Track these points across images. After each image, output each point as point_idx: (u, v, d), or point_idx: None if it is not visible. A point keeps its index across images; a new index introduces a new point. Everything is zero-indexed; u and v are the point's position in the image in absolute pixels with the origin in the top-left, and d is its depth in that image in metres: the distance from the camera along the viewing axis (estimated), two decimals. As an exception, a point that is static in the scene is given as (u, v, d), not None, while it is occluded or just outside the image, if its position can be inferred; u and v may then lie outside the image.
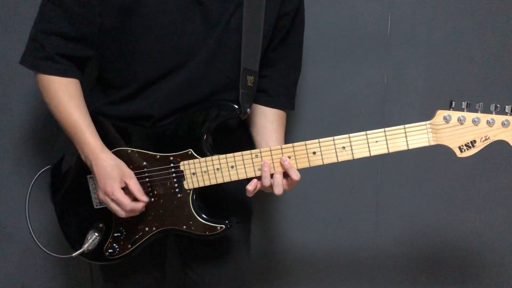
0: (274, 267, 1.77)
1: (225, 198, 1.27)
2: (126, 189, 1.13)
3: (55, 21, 1.09)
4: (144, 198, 1.13)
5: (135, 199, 1.13)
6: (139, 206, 1.12)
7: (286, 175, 1.11)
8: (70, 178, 1.23)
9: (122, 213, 1.12)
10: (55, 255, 1.25)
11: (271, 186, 1.11)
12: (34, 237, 1.24)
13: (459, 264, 1.71)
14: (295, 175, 1.09)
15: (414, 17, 1.53)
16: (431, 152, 1.58)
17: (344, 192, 1.68)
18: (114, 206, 1.12)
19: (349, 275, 1.75)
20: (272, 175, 1.11)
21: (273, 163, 1.11)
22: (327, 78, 1.59)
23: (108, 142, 1.16)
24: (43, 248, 1.24)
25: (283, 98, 1.29)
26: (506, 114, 1.01)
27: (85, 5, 1.08)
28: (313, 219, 1.71)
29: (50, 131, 1.55)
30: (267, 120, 1.26)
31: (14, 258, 1.71)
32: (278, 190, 1.10)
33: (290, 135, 1.61)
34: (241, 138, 1.29)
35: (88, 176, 1.20)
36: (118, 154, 1.16)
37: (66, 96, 1.12)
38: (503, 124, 1.01)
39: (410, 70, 1.57)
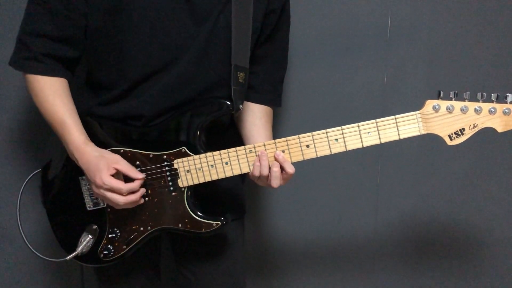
0: (269, 264, 1.92)
1: (218, 196, 1.41)
2: (119, 176, 1.25)
3: (40, 22, 1.24)
4: (139, 175, 1.24)
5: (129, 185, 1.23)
6: (135, 185, 1.23)
7: (281, 169, 1.26)
8: (61, 181, 1.37)
9: (121, 200, 1.22)
10: (48, 258, 1.38)
11: (267, 177, 1.26)
12: (26, 241, 1.38)
13: (458, 260, 1.87)
14: (290, 168, 1.24)
15: (414, 17, 1.70)
16: (431, 150, 1.76)
17: (343, 190, 1.84)
18: (111, 195, 1.22)
19: (346, 272, 1.90)
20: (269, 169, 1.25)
21: (268, 157, 1.27)
22: (327, 78, 1.75)
23: (99, 142, 1.30)
24: (35, 252, 1.38)
25: (270, 95, 1.45)
26: (492, 102, 1.18)
27: (69, 6, 1.22)
28: (309, 216, 1.87)
29: (45, 131, 1.71)
30: (255, 117, 1.42)
31: (7, 261, 1.85)
32: (275, 183, 1.25)
33: (289, 135, 1.79)
34: (233, 135, 1.44)
35: (80, 178, 1.34)
36: None
37: (51, 93, 1.26)
38: (490, 111, 1.19)
39: (410, 70, 1.73)
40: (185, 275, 1.49)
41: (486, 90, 1.71)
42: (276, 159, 1.25)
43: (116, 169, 1.24)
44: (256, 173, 1.25)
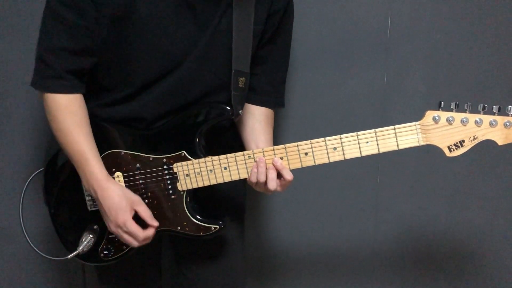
0: (269, 265, 1.94)
1: (218, 197, 1.42)
2: (135, 216, 1.28)
3: (58, 37, 1.22)
4: (155, 223, 1.28)
5: (143, 224, 1.28)
6: (150, 232, 1.27)
7: (279, 176, 1.26)
8: (63, 181, 1.39)
9: (135, 243, 1.27)
10: (49, 257, 1.40)
11: (264, 183, 1.26)
12: (28, 240, 1.41)
13: (459, 262, 1.88)
14: (288, 175, 1.25)
15: (414, 17, 1.68)
16: (431, 151, 1.75)
17: (343, 190, 1.84)
18: (127, 238, 1.26)
19: (346, 274, 1.92)
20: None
21: (265, 164, 1.26)
22: (327, 78, 1.74)
23: (101, 144, 1.31)
24: (37, 250, 1.40)
25: (271, 97, 1.44)
26: (493, 114, 1.16)
27: (83, 16, 1.21)
28: (309, 217, 1.88)
29: (47, 131, 1.74)
30: (256, 121, 1.42)
31: (9, 260, 1.88)
32: (272, 185, 1.25)
33: (289, 137, 1.79)
34: (233, 139, 1.44)
35: None
36: (111, 156, 1.31)
37: (73, 123, 1.25)
38: (490, 124, 1.17)
39: (410, 70, 1.72)
40: (186, 274, 1.51)
41: (486, 90, 1.72)
42: (274, 166, 1.25)
43: (136, 211, 1.27)
44: (253, 179, 1.26)
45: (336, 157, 1.25)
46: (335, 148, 1.24)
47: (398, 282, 1.92)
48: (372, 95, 1.75)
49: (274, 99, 1.45)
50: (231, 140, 1.45)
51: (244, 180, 1.50)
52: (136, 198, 1.29)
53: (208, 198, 1.38)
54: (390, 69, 1.73)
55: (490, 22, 1.67)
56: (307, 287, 1.95)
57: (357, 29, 1.70)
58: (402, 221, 1.86)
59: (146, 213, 1.28)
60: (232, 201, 1.49)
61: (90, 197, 1.36)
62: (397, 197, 1.84)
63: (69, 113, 1.26)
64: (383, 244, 1.89)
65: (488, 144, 1.73)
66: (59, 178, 1.40)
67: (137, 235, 1.25)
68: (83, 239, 1.36)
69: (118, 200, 1.25)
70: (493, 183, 1.80)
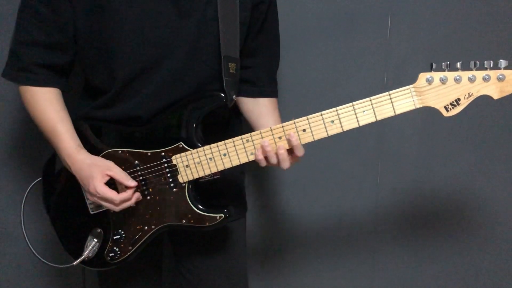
0: (270, 263, 1.90)
1: (220, 195, 1.40)
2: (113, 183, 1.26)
3: (30, 31, 1.25)
4: (131, 183, 1.25)
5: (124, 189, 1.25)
6: (127, 194, 1.24)
7: (289, 152, 1.23)
8: (62, 187, 1.37)
9: (115, 208, 1.24)
10: (55, 265, 1.38)
11: (278, 163, 1.23)
12: (32, 249, 1.38)
13: (458, 255, 1.85)
14: (300, 152, 1.23)
15: (414, 17, 1.71)
16: (431, 148, 1.75)
17: (343, 189, 1.83)
18: (106, 204, 1.25)
19: (347, 270, 1.88)
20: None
21: (271, 146, 1.24)
22: (327, 78, 1.75)
23: (95, 145, 1.31)
24: (42, 259, 1.37)
25: (269, 87, 1.45)
26: (485, 69, 1.16)
27: (55, 10, 1.23)
28: (310, 215, 1.85)
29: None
30: (261, 106, 1.43)
31: (11, 265, 1.85)
32: (285, 165, 1.23)
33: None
34: (235, 132, 1.42)
35: None
36: (109, 156, 1.30)
37: (43, 101, 1.28)
38: (484, 79, 1.16)
39: (410, 70, 1.73)
40: (186, 275, 1.47)
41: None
42: (289, 141, 1.22)
43: (109, 176, 1.25)
44: (263, 164, 1.24)
45: (334, 130, 1.24)
46: (332, 121, 1.23)
47: (398, 279, 1.88)
48: (372, 95, 1.74)
49: (271, 89, 1.47)
50: (231, 134, 1.43)
51: (244, 178, 1.49)
52: (108, 163, 1.27)
53: (211, 196, 1.36)
54: (390, 69, 1.74)
55: (491, 21, 1.69)
56: (308, 285, 1.91)
57: (357, 28, 1.72)
58: (402, 217, 1.84)
59: (120, 175, 1.25)
60: (234, 200, 1.47)
61: (91, 201, 1.34)
62: (397, 195, 1.82)
63: (40, 93, 1.28)
64: (383, 241, 1.86)
65: (487, 142, 1.72)
66: (57, 184, 1.39)
67: (112, 199, 1.23)
68: (88, 244, 1.34)
69: (87, 169, 1.25)
70: (493, 182, 1.79)
